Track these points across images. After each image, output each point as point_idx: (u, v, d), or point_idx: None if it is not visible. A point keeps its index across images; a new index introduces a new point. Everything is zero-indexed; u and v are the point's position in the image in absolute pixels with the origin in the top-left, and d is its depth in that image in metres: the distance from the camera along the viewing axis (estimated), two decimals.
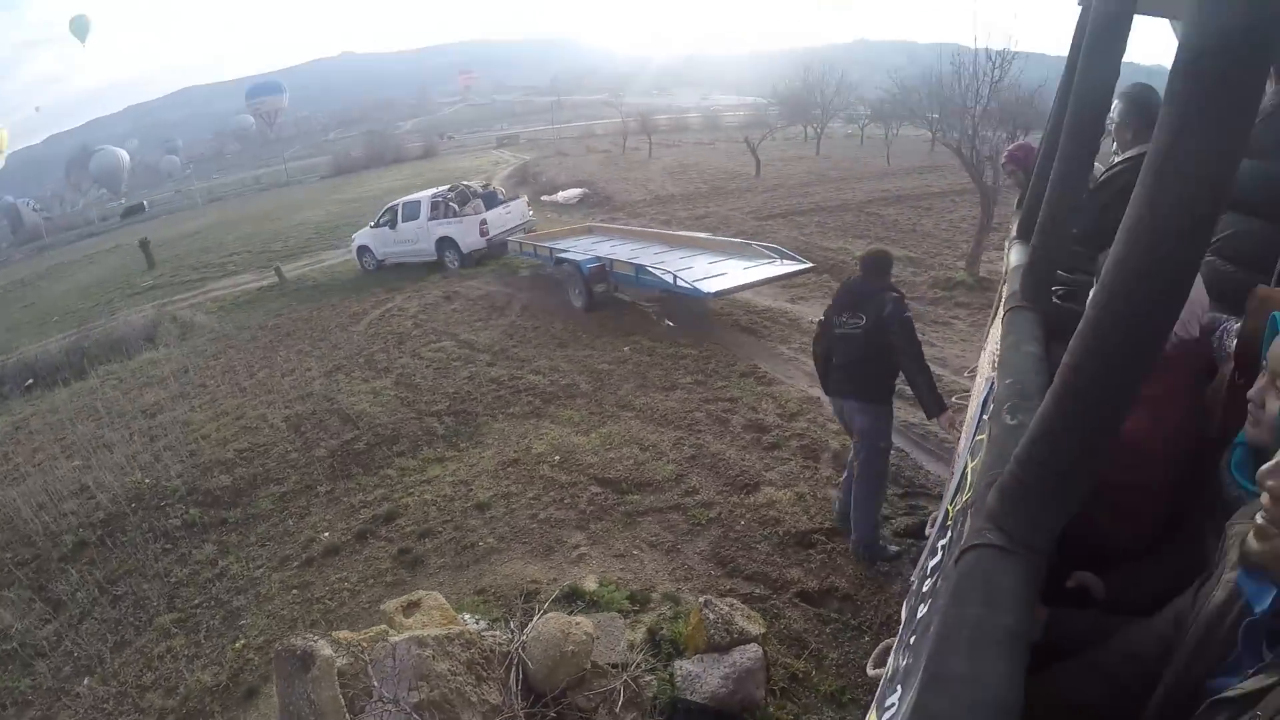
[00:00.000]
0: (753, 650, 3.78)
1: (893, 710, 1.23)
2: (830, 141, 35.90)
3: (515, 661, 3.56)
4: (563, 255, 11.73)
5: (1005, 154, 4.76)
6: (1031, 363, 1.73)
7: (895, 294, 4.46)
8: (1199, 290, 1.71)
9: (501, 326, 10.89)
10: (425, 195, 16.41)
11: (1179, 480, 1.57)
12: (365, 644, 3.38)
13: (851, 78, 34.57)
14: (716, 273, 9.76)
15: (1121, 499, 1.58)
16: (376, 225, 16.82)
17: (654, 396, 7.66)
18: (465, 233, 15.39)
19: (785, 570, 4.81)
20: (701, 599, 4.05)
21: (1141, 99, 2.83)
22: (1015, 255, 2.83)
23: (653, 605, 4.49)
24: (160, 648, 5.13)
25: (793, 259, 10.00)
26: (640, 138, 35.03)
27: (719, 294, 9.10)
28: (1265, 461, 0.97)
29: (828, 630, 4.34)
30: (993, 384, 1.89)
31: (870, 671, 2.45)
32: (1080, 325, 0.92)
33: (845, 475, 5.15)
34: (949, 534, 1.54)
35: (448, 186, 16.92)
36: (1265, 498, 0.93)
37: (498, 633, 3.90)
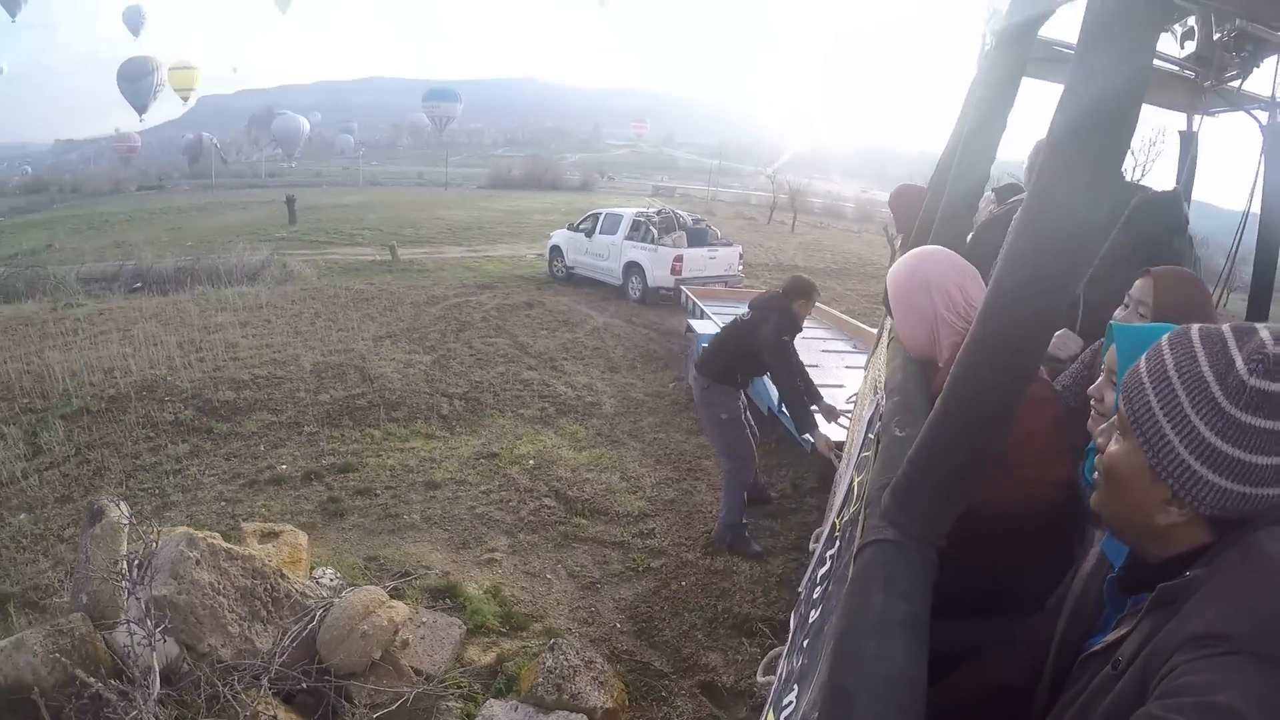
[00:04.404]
0: None
1: (791, 707, 1.33)
2: None
3: (310, 619, 3.31)
4: (694, 321, 9.42)
5: (891, 195, 4.61)
6: (914, 382, 1.84)
7: (781, 318, 4.85)
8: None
9: (562, 339, 11.01)
10: (629, 211, 15.17)
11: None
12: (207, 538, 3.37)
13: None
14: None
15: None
16: (575, 229, 15.80)
17: (672, 435, 7.47)
18: (656, 264, 13.72)
19: (704, 652, 4.18)
20: (552, 640, 3.62)
21: None
22: None
23: (525, 635, 4.11)
24: None
25: None
26: (787, 213, 35.10)
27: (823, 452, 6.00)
28: None
29: None
30: (878, 405, 1.99)
31: (760, 679, 2.38)
32: (967, 339, 1.03)
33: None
34: (837, 544, 1.65)
35: (656, 209, 15.65)
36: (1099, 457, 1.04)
37: (321, 588, 3.68)
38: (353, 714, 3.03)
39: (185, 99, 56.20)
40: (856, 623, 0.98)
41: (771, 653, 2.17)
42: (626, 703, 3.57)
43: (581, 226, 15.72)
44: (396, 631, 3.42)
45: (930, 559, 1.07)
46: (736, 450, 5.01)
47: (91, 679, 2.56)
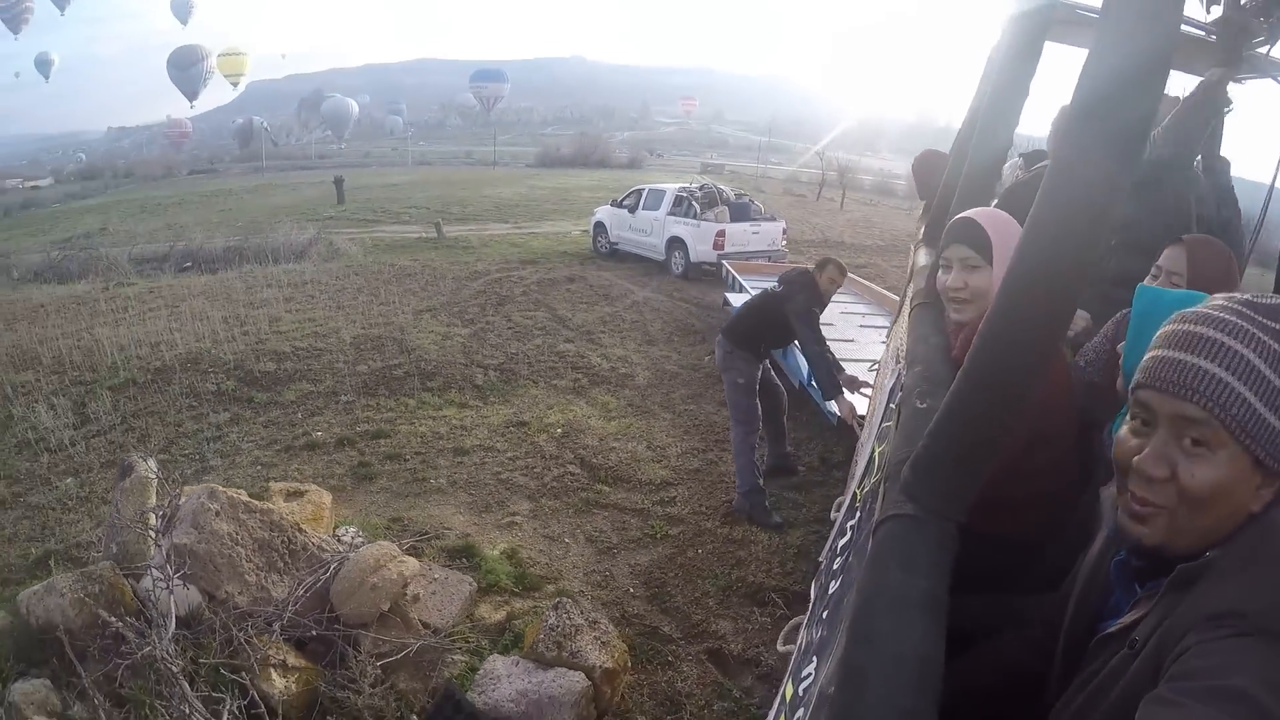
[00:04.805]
0: (574, 680, 3.18)
1: (809, 679, 1.35)
2: None
3: (325, 571, 3.45)
4: (731, 295, 10.01)
5: (913, 161, 4.61)
6: (937, 353, 1.85)
7: (809, 292, 5.12)
8: None
9: (601, 313, 11.09)
10: (671, 187, 15.39)
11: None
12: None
13: None
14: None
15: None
16: (618, 205, 16.03)
17: (704, 406, 7.48)
18: (699, 238, 13.84)
19: (714, 619, 4.17)
20: (557, 599, 3.69)
21: None
22: (922, 257, 3.04)
23: (537, 596, 4.20)
24: None
25: None
26: (837, 190, 34.64)
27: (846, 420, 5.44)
28: None
29: (717, 707, 3.56)
30: (900, 375, 2.01)
31: (780, 648, 2.45)
32: (989, 310, 1.03)
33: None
34: (858, 514, 1.66)
35: (699, 184, 15.87)
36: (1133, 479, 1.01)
37: (339, 544, 3.82)
38: (357, 660, 3.15)
39: (235, 84, 57.84)
40: (872, 600, 0.99)
41: (791, 622, 2.18)
42: (629, 664, 3.60)
43: (625, 202, 15.81)
44: (405, 585, 3.54)
45: (950, 534, 1.06)
46: (744, 415, 5.24)
47: (111, 618, 2.71)
